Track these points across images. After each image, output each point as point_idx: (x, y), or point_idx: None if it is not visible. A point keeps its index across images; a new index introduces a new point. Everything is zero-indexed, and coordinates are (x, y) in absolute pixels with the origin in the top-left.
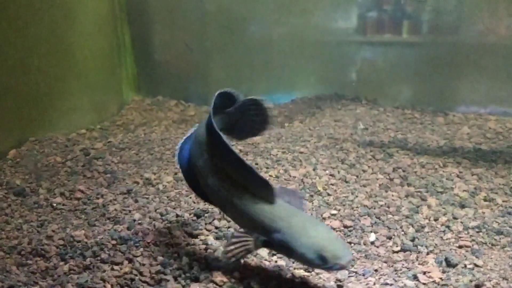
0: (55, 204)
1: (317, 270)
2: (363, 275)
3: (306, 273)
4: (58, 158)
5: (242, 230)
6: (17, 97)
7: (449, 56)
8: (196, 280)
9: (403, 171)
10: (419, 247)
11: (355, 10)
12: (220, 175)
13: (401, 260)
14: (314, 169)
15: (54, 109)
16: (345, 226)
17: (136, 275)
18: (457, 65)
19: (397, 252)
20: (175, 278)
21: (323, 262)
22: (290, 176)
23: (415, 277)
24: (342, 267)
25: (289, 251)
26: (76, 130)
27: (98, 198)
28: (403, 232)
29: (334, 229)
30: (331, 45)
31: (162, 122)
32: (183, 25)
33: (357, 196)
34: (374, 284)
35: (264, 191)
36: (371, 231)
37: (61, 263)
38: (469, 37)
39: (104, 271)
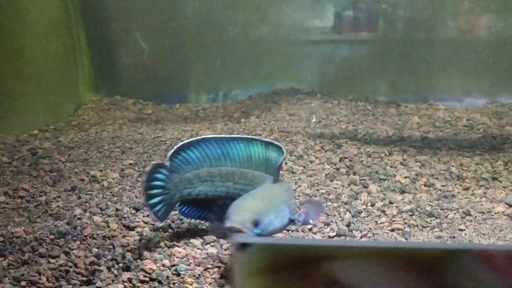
0: None
1: None
2: None
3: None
4: (5, 158)
5: None
6: None
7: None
8: (127, 269)
9: (350, 160)
10: (354, 231)
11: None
12: None
13: None
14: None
15: (3, 110)
16: None
17: (71, 267)
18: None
19: (332, 237)
20: (109, 269)
21: None
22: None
23: None
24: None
25: None
26: (28, 131)
27: (41, 196)
28: (340, 218)
29: None
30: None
31: (117, 121)
32: (140, 24)
33: (300, 186)
34: None
35: None
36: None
37: (0, 258)
38: (421, 32)
39: (41, 264)
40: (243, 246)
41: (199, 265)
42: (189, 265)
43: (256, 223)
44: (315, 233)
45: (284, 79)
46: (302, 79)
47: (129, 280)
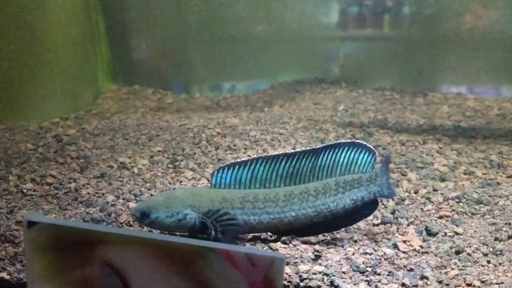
0: (25, 190)
1: (294, 242)
2: (342, 246)
3: (283, 245)
4: (29, 145)
5: None
6: None
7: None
8: None
9: (383, 149)
10: (399, 219)
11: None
12: None
13: (381, 232)
14: (293, 149)
15: (25, 97)
16: None
17: None
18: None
19: (377, 225)
20: None
21: None
22: None
23: (395, 246)
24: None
25: None
26: (50, 119)
27: (70, 183)
28: (383, 206)
29: None
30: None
31: (139, 109)
32: (159, 13)
33: None
34: (353, 254)
35: None
36: None
37: None
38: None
39: None
40: (31, 223)
41: None
42: None
43: (144, 215)
44: None
45: (308, 69)
46: (327, 69)
47: None
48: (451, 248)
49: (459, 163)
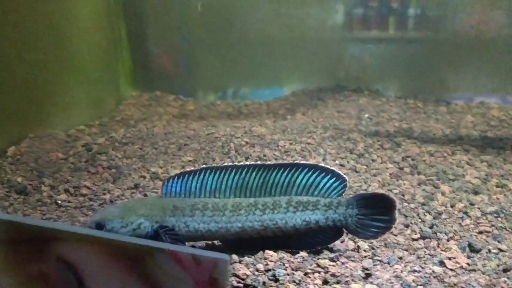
0: (59, 202)
1: (341, 260)
2: (388, 263)
3: (332, 263)
4: (60, 154)
5: None
6: (15, 92)
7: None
8: None
9: (412, 159)
10: (438, 234)
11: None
12: None
13: (422, 248)
14: (323, 159)
15: (52, 105)
16: None
17: None
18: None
19: (416, 239)
20: None
21: None
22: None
23: (441, 263)
24: None
25: None
26: (75, 126)
27: (104, 194)
28: (420, 220)
29: None
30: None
31: (163, 116)
32: (179, 20)
33: (370, 185)
34: (402, 271)
35: None
36: None
37: None
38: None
39: None
40: None
41: (297, 270)
42: (285, 269)
43: (99, 226)
44: (395, 235)
45: (329, 75)
46: (348, 76)
47: None
48: (498, 265)
49: (490, 175)
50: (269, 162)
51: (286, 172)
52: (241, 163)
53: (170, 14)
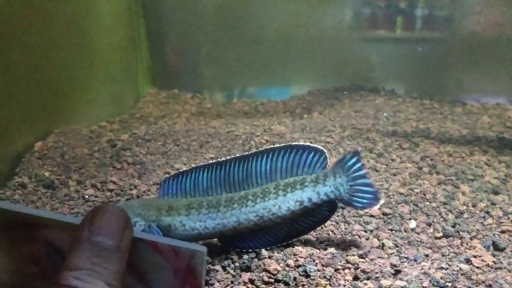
0: (87, 196)
1: (370, 256)
2: (415, 260)
3: (361, 259)
4: (85, 150)
5: None
6: (42, 88)
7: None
8: (247, 269)
9: (431, 159)
10: (461, 232)
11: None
12: None
13: (445, 246)
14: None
15: (76, 101)
16: (384, 214)
17: None
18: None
19: (439, 238)
20: (224, 268)
21: None
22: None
23: (467, 261)
24: None
25: None
26: (97, 122)
27: (131, 189)
28: (442, 219)
29: (373, 216)
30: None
31: (182, 114)
32: (198, 18)
33: (391, 184)
34: (429, 268)
35: None
36: (410, 218)
37: None
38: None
39: None
40: None
41: (327, 266)
42: (316, 265)
43: None
44: (418, 233)
45: (344, 75)
46: (364, 75)
47: (251, 281)
48: None
49: (509, 176)
50: (247, 153)
51: (265, 159)
52: (223, 159)
53: (188, 12)
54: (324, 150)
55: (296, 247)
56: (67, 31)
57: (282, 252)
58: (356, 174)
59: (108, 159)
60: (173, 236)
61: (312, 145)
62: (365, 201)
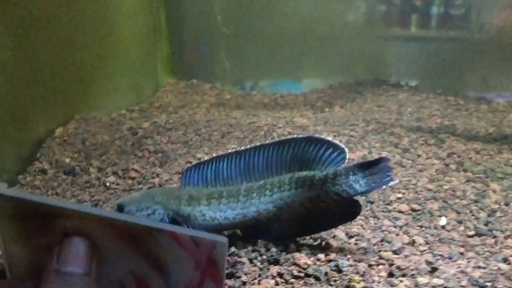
0: (108, 184)
1: (404, 253)
2: (450, 258)
3: (395, 255)
4: (106, 137)
5: None
6: (64, 74)
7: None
8: (276, 262)
9: (458, 156)
10: (494, 231)
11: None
12: None
13: (479, 244)
14: (369, 153)
15: (97, 88)
16: (413, 210)
17: None
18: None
19: (471, 236)
20: (250, 260)
21: None
22: (348, 159)
23: (505, 260)
24: None
25: None
26: (116, 110)
27: (153, 178)
28: (473, 217)
29: (402, 212)
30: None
31: (201, 104)
32: (219, 8)
33: (418, 180)
34: (466, 267)
35: None
36: (440, 215)
37: None
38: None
39: None
40: None
41: (360, 261)
42: (348, 260)
43: (119, 208)
44: (449, 231)
45: (366, 70)
46: (387, 71)
47: (280, 275)
48: None
49: None
50: (267, 141)
51: (286, 148)
52: (243, 147)
53: (209, 3)
54: (345, 149)
55: (326, 240)
56: (90, 18)
57: (312, 246)
58: (378, 175)
59: (130, 147)
60: (193, 227)
61: (333, 141)
62: (384, 180)
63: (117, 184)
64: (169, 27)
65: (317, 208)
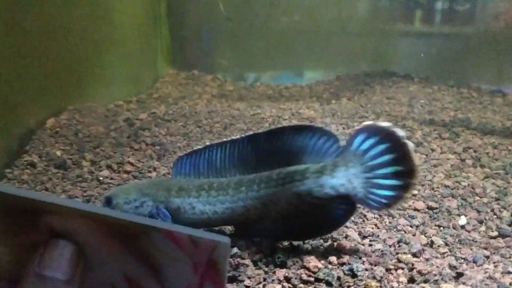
0: (101, 178)
1: (425, 255)
2: (475, 262)
3: (415, 258)
4: (101, 129)
5: None
6: (57, 62)
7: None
8: (283, 265)
9: (475, 151)
10: None
11: None
12: None
13: (503, 246)
14: None
15: (92, 78)
16: (430, 208)
17: None
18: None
19: (494, 237)
20: (255, 263)
21: None
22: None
23: None
24: None
25: None
26: (113, 101)
27: (150, 172)
28: (495, 216)
29: (418, 210)
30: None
31: (202, 95)
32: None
33: (434, 176)
34: (494, 272)
35: None
36: (459, 214)
37: None
38: None
39: None
40: None
41: (376, 265)
42: (363, 263)
43: (108, 201)
44: (469, 231)
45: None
46: (399, 63)
47: (287, 279)
48: None
49: None
50: (259, 131)
51: (276, 139)
52: (237, 137)
53: None
54: (337, 136)
55: (338, 241)
56: (86, 2)
57: (322, 247)
58: (375, 162)
59: (126, 139)
60: (182, 220)
61: (326, 128)
62: (384, 201)
63: (111, 178)
64: (170, 15)
65: (309, 206)
